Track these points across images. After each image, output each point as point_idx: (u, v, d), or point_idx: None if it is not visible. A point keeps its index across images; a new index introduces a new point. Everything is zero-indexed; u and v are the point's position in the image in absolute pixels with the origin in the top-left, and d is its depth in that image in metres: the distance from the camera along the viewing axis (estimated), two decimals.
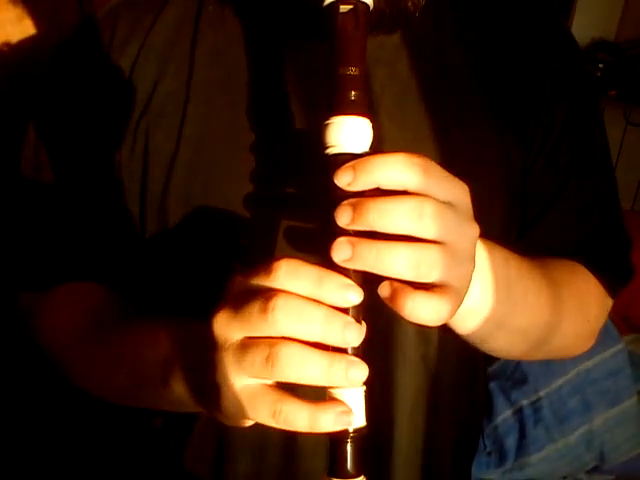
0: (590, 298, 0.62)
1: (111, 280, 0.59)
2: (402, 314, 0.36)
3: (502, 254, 0.51)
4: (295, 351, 0.35)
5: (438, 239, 0.36)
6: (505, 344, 0.57)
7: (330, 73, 0.39)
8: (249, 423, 0.40)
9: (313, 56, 0.52)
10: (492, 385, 1.24)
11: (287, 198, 0.52)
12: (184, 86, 0.54)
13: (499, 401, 1.22)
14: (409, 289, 0.36)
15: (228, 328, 0.37)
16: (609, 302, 0.64)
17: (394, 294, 0.37)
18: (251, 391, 0.37)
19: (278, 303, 0.35)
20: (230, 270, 0.39)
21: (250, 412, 0.37)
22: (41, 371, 0.64)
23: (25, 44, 0.92)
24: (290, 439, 0.56)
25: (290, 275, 0.35)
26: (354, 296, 0.35)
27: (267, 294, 0.35)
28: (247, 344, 0.36)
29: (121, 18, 0.56)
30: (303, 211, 0.51)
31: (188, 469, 0.60)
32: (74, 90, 0.57)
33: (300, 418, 0.35)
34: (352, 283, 0.36)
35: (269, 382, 0.38)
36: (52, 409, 0.87)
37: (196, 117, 0.53)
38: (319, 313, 0.35)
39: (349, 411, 0.35)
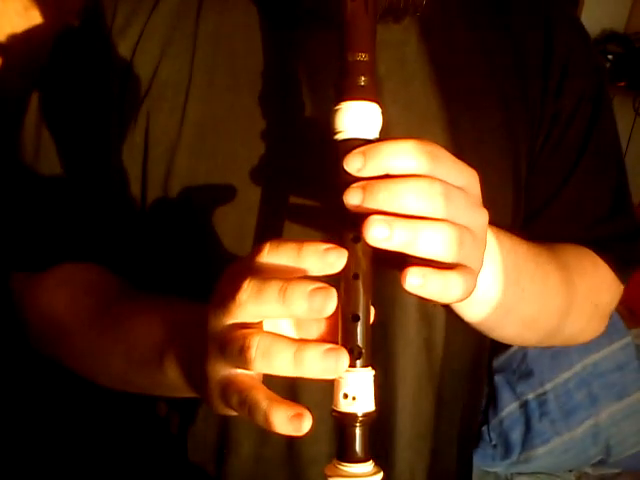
0: (600, 283, 0.62)
1: (110, 261, 0.59)
2: (426, 295, 0.36)
3: (509, 240, 0.51)
4: (264, 341, 0.34)
5: (449, 220, 0.36)
6: (515, 332, 0.57)
7: (338, 59, 0.39)
8: (235, 413, 0.40)
9: (319, 40, 0.52)
10: (498, 378, 1.24)
11: (291, 180, 0.52)
12: (186, 69, 0.54)
13: (505, 394, 1.22)
14: (435, 269, 0.36)
15: (215, 316, 0.37)
16: (620, 288, 0.64)
17: (424, 277, 0.36)
18: (228, 380, 0.37)
19: (244, 285, 0.35)
20: (232, 254, 0.39)
21: (223, 400, 0.37)
22: (38, 359, 0.64)
23: (31, 34, 0.91)
24: None
25: (272, 252, 0.35)
26: (335, 258, 0.35)
27: (241, 277, 0.35)
28: (230, 334, 0.36)
29: (122, 1, 0.56)
30: (308, 192, 0.51)
31: (191, 457, 0.60)
32: (75, 74, 0.57)
33: (259, 411, 0.34)
34: (332, 246, 0.35)
35: (252, 373, 0.37)
36: (52, 395, 0.87)
37: (199, 100, 0.53)
38: (276, 287, 0.34)
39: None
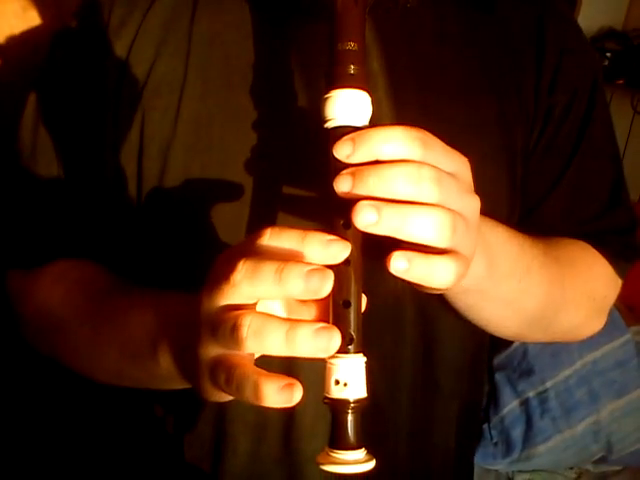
0: (598, 277, 0.62)
1: (106, 257, 0.60)
2: (413, 279, 0.36)
3: (505, 232, 0.51)
4: (256, 320, 0.34)
5: (440, 205, 0.36)
6: (507, 323, 0.58)
7: (329, 49, 0.39)
8: (226, 398, 0.40)
9: (311, 35, 0.52)
10: (498, 376, 1.24)
11: (285, 173, 0.52)
12: (181, 67, 0.54)
13: (506, 392, 1.22)
14: (423, 253, 0.36)
15: (208, 298, 0.37)
16: (618, 282, 0.64)
17: (410, 261, 0.36)
18: (218, 360, 0.37)
19: (238, 266, 0.35)
20: (227, 247, 0.39)
21: (213, 381, 0.37)
22: (36, 358, 0.64)
23: (29, 36, 0.92)
24: (289, 419, 0.56)
25: (274, 236, 0.35)
26: (338, 250, 0.35)
27: (236, 259, 0.35)
28: (222, 315, 0.36)
29: (118, 1, 0.56)
30: (303, 185, 0.51)
31: (187, 456, 0.60)
32: (72, 73, 0.58)
33: (248, 387, 0.34)
34: (335, 238, 0.35)
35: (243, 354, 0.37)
36: (49, 395, 0.87)
37: (193, 97, 0.54)
38: (272, 267, 0.34)
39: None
